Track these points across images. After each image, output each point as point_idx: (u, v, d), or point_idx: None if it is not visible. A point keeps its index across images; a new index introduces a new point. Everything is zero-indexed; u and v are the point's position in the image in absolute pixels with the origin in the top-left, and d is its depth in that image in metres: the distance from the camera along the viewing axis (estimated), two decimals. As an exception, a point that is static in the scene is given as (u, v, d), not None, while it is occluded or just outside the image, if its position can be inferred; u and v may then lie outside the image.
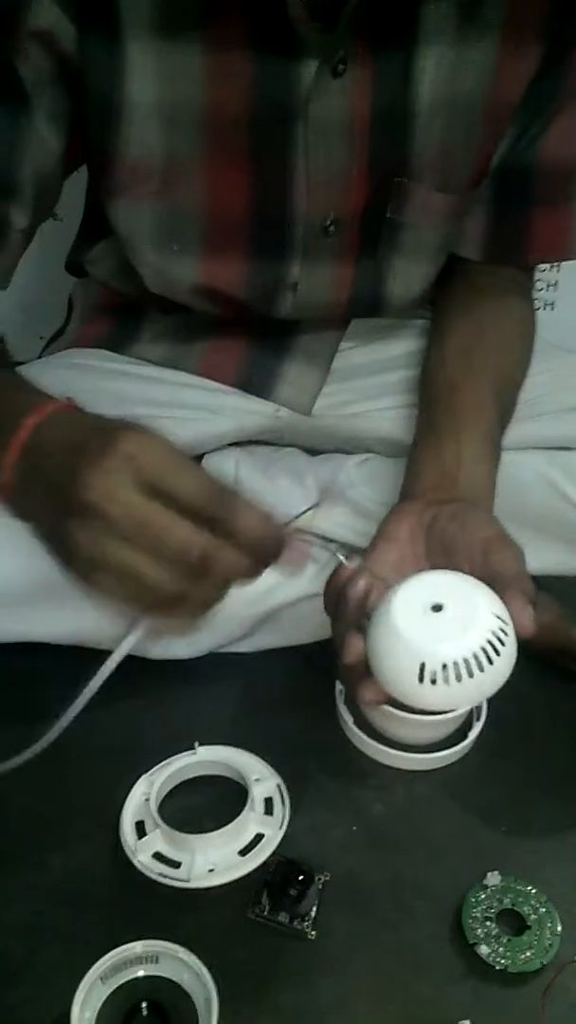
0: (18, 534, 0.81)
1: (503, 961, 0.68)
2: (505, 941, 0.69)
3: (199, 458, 0.92)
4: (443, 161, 0.80)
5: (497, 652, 0.63)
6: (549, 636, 0.88)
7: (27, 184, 0.75)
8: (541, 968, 0.68)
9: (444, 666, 0.63)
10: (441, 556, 0.71)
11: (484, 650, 0.63)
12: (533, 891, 0.72)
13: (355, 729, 0.82)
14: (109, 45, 0.71)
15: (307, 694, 0.87)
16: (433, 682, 0.63)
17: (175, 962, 0.66)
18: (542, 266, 1.29)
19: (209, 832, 0.73)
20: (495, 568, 0.68)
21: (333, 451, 0.97)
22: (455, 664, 0.63)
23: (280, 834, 0.74)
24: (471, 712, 0.82)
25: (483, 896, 0.72)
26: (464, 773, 0.82)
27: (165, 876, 0.72)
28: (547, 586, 0.84)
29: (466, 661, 0.63)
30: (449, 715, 0.78)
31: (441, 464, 0.78)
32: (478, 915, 0.71)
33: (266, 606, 0.88)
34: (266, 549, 0.57)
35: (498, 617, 0.64)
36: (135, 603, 0.56)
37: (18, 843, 0.76)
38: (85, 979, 0.64)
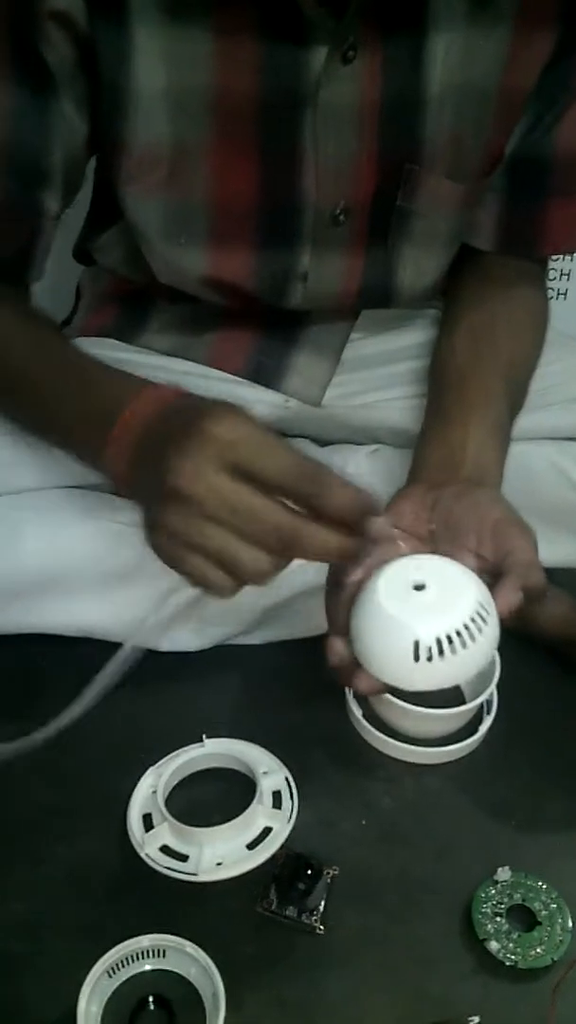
0: (26, 525, 0.81)
1: (513, 957, 0.68)
2: (515, 937, 0.69)
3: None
4: (454, 148, 0.79)
5: (480, 630, 0.64)
6: (560, 629, 0.87)
7: (57, 170, 0.75)
8: (552, 964, 0.68)
9: (438, 640, 0.63)
10: (447, 537, 0.71)
11: (467, 627, 0.63)
12: (544, 887, 0.72)
13: (364, 722, 0.81)
14: (117, 29, 0.70)
15: (316, 687, 0.86)
16: (417, 659, 0.63)
17: (182, 956, 0.66)
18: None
19: (217, 825, 0.73)
20: (508, 558, 0.68)
21: (342, 442, 0.96)
22: (439, 640, 0.63)
23: (288, 827, 0.74)
24: (481, 706, 0.82)
25: (493, 891, 0.72)
26: (474, 767, 0.81)
27: (172, 869, 0.72)
28: (557, 579, 0.84)
29: (457, 634, 0.63)
30: (457, 709, 0.77)
31: (447, 449, 0.78)
32: (488, 911, 0.70)
33: (275, 597, 0.87)
34: (356, 524, 0.58)
35: (479, 594, 0.65)
36: (227, 584, 0.58)
37: (25, 836, 0.75)
38: (92, 973, 0.63)
